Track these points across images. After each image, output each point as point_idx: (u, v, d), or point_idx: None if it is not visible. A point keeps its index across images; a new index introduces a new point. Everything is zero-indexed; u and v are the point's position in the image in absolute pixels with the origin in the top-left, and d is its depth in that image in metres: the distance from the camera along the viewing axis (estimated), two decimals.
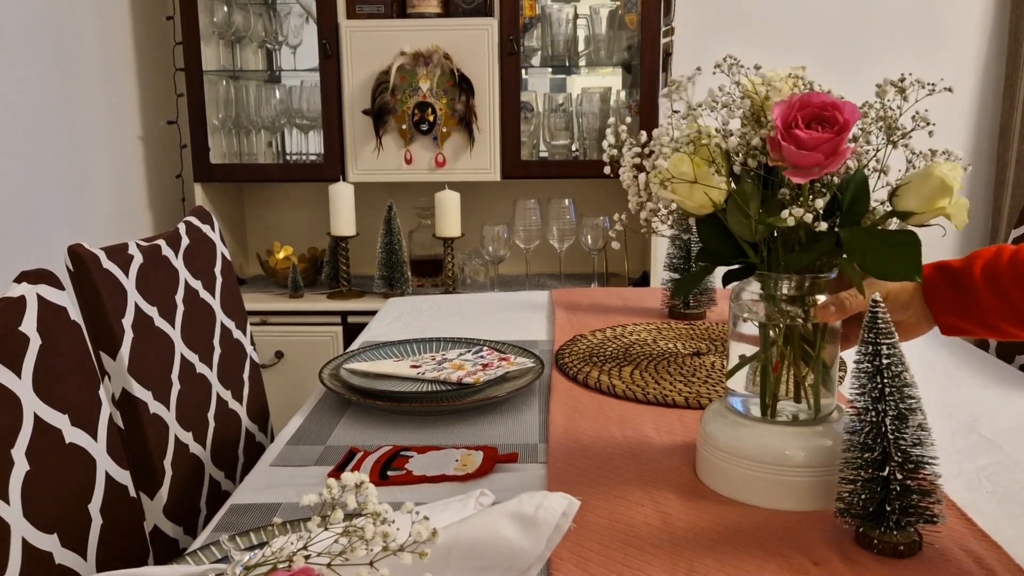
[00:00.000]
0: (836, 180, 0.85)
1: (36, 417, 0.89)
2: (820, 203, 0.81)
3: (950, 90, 0.85)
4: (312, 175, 2.69)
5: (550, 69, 2.75)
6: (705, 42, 2.80)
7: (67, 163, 2.24)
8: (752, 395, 0.92)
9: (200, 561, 0.75)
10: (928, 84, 0.85)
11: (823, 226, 0.81)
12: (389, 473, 0.99)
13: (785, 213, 0.81)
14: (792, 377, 0.90)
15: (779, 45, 2.80)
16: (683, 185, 0.86)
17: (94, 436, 0.99)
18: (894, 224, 0.86)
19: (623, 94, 2.70)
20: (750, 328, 0.91)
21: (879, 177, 0.86)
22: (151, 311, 1.24)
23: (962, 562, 0.76)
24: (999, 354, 1.59)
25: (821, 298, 0.88)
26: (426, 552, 0.61)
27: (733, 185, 0.86)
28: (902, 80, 0.84)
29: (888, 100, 0.84)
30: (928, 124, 0.83)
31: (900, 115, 0.84)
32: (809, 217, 0.80)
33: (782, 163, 0.80)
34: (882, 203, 0.87)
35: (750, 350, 0.91)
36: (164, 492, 1.19)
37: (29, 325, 0.91)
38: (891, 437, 0.76)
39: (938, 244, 2.91)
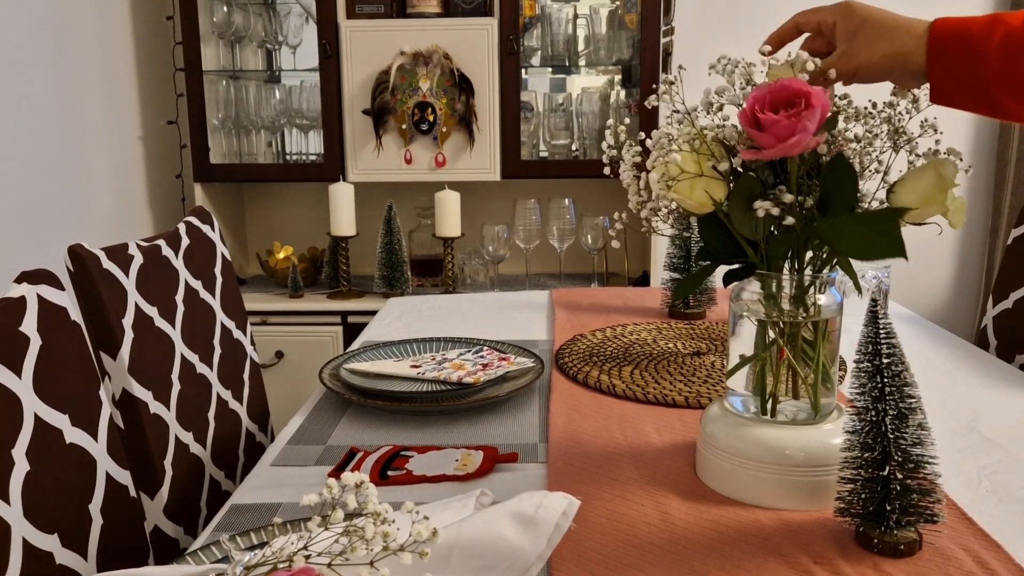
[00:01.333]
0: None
1: (36, 417, 0.89)
2: (788, 197, 0.81)
3: None
4: (312, 175, 2.69)
5: (550, 69, 2.75)
6: (705, 42, 2.80)
7: (67, 163, 2.24)
8: (752, 395, 0.92)
9: (200, 561, 0.76)
10: None
11: (790, 220, 0.81)
12: (389, 473, 0.99)
13: (758, 204, 0.80)
14: (792, 376, 0.90)
15: None
16: (683, 184, 0.86)
17: (94, 436, 0.99)
18: None
19: (623, 94, 2.70)
20: (750, 328, 0.91)
21: (881, 177, 0.86)
22: (151, 311, 1.24)
23: (962, 562, 0.77)
24: (999, 354, 1.59)
25: (823, 299, 0.88)
26: (426, 552, 0.61)
27: (732, 180, 0.86)
28: None
29: (899, 107, 0.84)
30: (937, 132, 0.83)
31: (908, 120, 0.84)
32: (777, 210, 0.80)
33: (750, 143, 0.80)
34: (881, 203, 0.86)
35: (750, 350, 0.91)
36: (164, 492, 1.19)
37: (29, 325, 0.91)
38: (891, 436, 0.76)
39: (936, 243, 2.91)
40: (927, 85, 0.86)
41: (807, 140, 0.78)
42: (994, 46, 0.80)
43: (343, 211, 2.52)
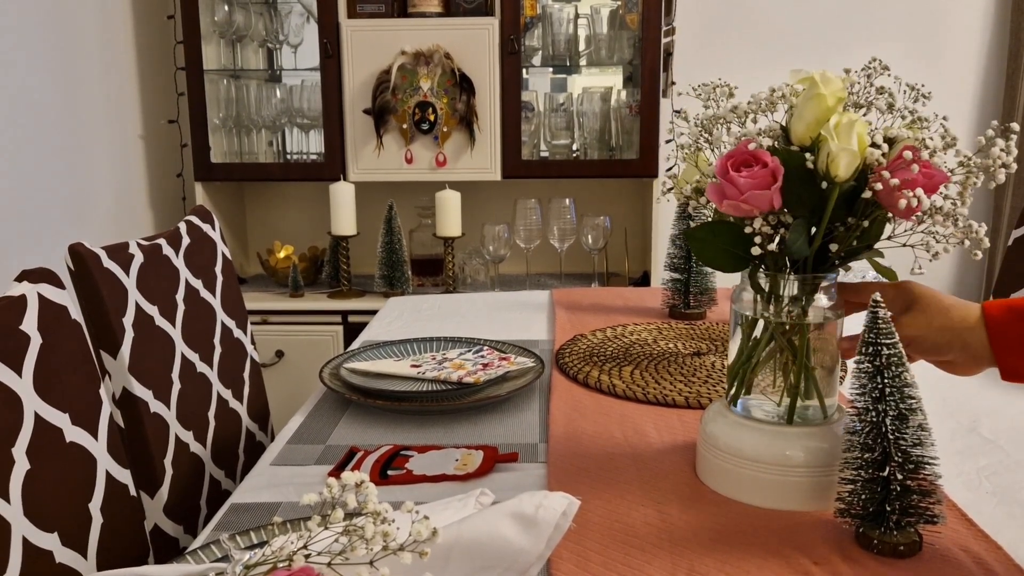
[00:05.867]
0: None
1: (37, 416, 0.89)
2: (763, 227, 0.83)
3: (927, 97, 0.85)
4: (313, 174, 2.69)
5: (551, 69, 2.75)
6: (706, 42, 2.80)
7: (68, 162, 2.24)
8: (752, 396, 0.92)
9: (200, 560, 0.76)
10: (917, 87, 0.85)
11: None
12: (389, 472, 0.99)
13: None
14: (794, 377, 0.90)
15: (780, 45, 2.80)
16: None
17: (95, 435, 0.99)
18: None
19: (624, 94, 2.70)
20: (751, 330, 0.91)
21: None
22: (152, 310, 1.24)
23: (962, 562, 0.76)
24: None
25: (823, 300, 0.88)
26: (426, 551, 0.61)
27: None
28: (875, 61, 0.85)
29: (864, 82, 0.85)
30: (923, 97, 0.83)
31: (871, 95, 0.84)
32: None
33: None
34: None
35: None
36: (164, 491, 1.20)
37: (30, 324, 0.91)
38: (891, 437, 0.76)
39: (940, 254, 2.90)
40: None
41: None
42: None
43: (344, 210, 2.52)
